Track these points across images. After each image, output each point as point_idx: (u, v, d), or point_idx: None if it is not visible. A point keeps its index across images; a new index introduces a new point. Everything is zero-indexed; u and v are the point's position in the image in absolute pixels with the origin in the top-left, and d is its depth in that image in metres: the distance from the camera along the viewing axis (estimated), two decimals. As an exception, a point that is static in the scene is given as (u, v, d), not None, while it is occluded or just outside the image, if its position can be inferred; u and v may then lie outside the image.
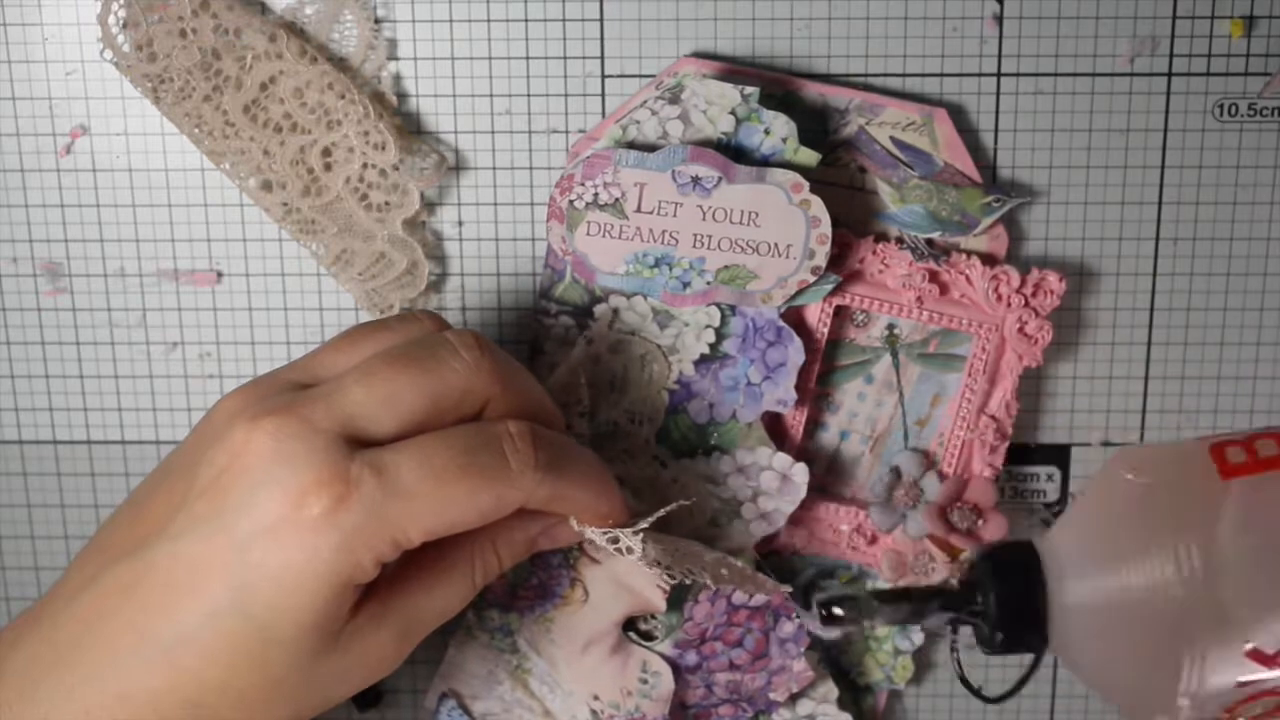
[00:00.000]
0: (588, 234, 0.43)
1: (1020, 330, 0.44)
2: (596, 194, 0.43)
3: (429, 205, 0.46)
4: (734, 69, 0.44)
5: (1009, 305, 0.44)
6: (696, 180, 0.42)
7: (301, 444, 0.34)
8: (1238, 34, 0.44)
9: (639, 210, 0.43)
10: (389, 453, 0.35)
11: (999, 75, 0.45)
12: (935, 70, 0.44)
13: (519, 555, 0.41)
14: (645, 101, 0.43)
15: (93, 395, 0.47)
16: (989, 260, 0.45)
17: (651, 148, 0.43)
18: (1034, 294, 0.44)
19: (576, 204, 0.43)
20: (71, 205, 0.46)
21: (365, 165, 0.44)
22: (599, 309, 0.45)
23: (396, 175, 0.44)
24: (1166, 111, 0.45)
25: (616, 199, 0.43)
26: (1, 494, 0.48)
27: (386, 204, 0.45)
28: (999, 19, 0.44)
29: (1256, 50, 0.44)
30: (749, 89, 0.42)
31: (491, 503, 0.36)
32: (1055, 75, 0.45)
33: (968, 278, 0.44)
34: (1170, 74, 0.45)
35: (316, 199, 0.44)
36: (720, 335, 0.45)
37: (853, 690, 0.48)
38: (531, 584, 0.46)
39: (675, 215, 0.43)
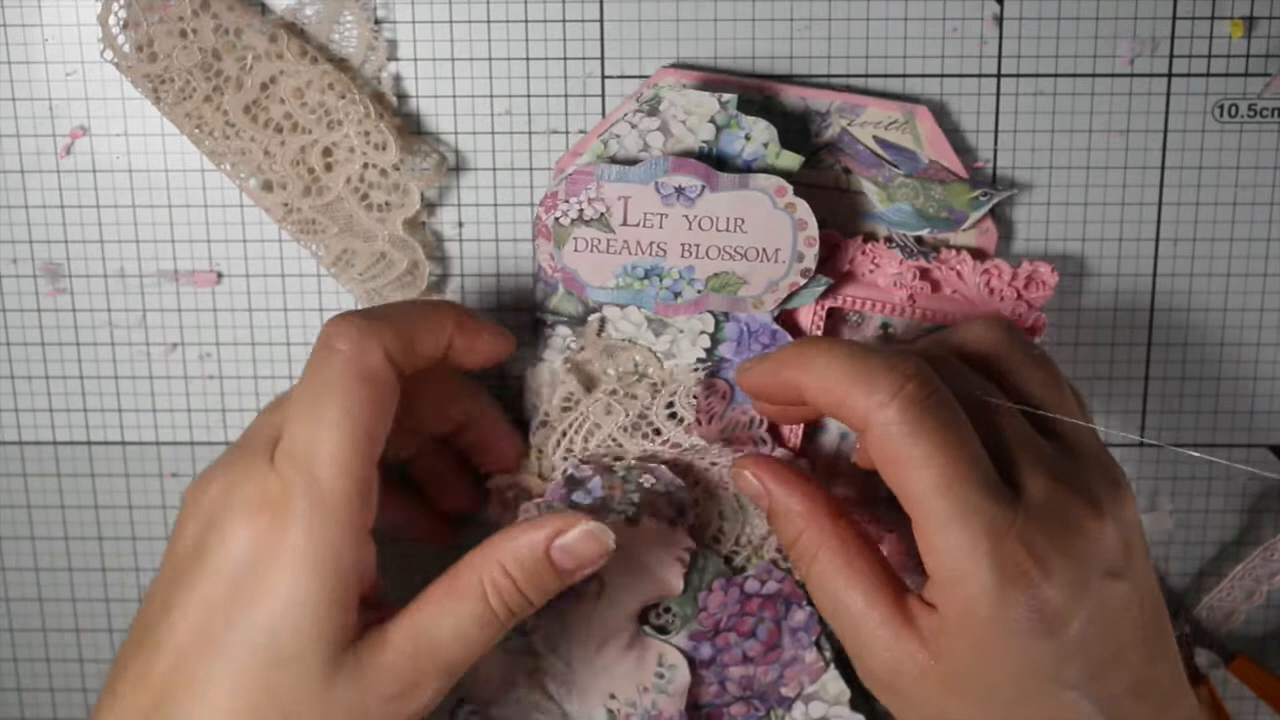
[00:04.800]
0: (575, 250, 0.43)
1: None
2: (581, 210, 0.43)
3: (429, 205, 0.46)
4: (711, 78, 0.44)
5: (1002, 299, 0.44)
6: (680, 190, 0.42)
7: (245, 476, 0.37)
8: (1238, 34, 0.44)
9: (625, 223, 0.43)
10: (287, 432, 0.37)
11: (999, 75, 0.45)
12: (935, 71, 0.44)
13: (534, 570, 0.38)
14: (625, 115, 0.43)
15: (93, 396, 0.47)
16: (979, 255, 0.45)
17: (633, 161, 0.43)
18: (1026, 286, 0.44)
19: (562, 220, 0.43)
20: (71, 206, 0.46)
21: (366, 165, 0.44)
22: (591, 318, 0.45)
23: (397, 175, 0.44)
24: (1166, 112, 0.45)
25: (601, 213, 0.43)
26: (1, 494, 0.48)
27: (387, 204, 0.45)
28: (999, 19, 0.44)
29: (1256, 50, 0.44)
30: (726, 96, 0.42)
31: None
32: (1055, 75, 0.45)
33: (959, 273, 0.44)
34: (1170, 74, 0.45)
35: (317, 199, 0.44)
36: (715, 340, 0.45)
37: (865, 690, 0.48)
38: None
39: (661, 226, 0.43)
